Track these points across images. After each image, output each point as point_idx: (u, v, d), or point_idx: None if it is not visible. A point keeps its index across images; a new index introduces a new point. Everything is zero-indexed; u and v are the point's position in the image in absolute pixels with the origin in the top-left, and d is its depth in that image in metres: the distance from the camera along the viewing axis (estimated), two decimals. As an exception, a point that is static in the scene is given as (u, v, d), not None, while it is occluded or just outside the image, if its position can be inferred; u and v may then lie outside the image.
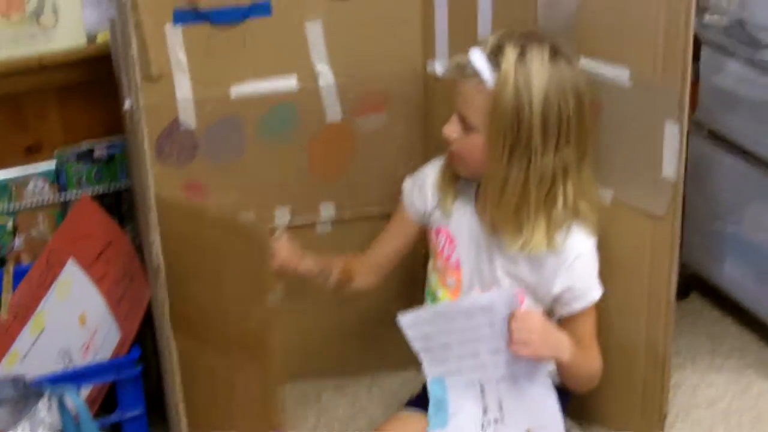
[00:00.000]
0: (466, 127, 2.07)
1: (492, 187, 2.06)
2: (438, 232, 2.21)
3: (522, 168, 2.02)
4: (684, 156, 2.07)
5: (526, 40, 2.03)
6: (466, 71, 2.05)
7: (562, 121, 2.01)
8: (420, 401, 2.17)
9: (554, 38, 2.06)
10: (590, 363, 2.14)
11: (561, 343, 2.05)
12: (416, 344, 2.08)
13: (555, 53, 2.02)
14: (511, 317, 1.99)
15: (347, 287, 2.29)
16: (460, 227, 2.18)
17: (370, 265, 2.32)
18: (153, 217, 1.95)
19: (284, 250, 2.18)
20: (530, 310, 2.09)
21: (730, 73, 2.58)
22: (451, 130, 2.09)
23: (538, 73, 1.99)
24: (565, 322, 2.13)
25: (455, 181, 2.18)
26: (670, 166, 2.08)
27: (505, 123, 2.00)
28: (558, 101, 2.00)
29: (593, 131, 2.10)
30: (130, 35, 1.89)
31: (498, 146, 2.02)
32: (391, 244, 2.31)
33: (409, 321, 2.06)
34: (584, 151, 2.08)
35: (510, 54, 2.00)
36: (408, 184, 2.29)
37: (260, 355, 2.02)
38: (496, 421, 2.08)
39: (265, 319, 1.98)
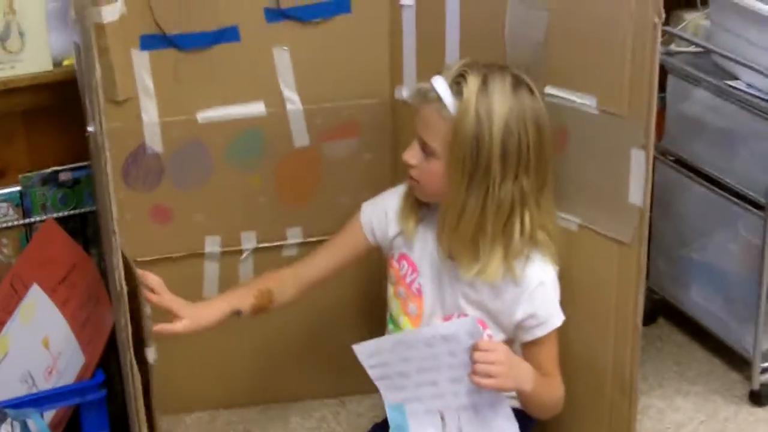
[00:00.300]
0: (427, 152, 2.07)
1: (450, 215, 2.06)
2: (400, 260, 2.20)
3: (480, 196, 2.02)
4: (650, 183, 2.08)
5: (488, 69, 2.03)
6: (428, 97, 2.05)
7: (522, 151, 2.01)
8: (386, 426, 2.16)
9: (516, 69, 2.07)
10: (552, 390, 2.14)
11: (524, 374, 2.04)
12: (373, 372, 2.08)
13: (517, 83, 2.03)
14: (473, 347, 1.99)
15: (266, 310, 2.22)
16: (422, 255, 2.17)
17: (299, 280, 2.25)
18: (116, 242, 1.94)
19: (185, 313, 2.09)
20: (493, 341, 2.09)
21: (697, 101, 2.60)
22: (411, 155, 2.09)
23: (500, 101, 1.99)
24: (527, 348, 2.13)
25: (418, 207, 2.17)
26: (637, 192, 2.08)
27: (465, 150, 2.00)
28: (518, 131, 2.00)
29: (552, 162, 2.10)
30: (94, 60, 1.89)
31: (457, 173, 2.02)
32: (333, 259, 2.26)
33: (365, 350, 2.06)
34: (543, 181, 2.08)
35: (472, 82, 2.00)
36: (368, 206, 2.27)
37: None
38: None
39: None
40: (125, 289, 1.95)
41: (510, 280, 2.08)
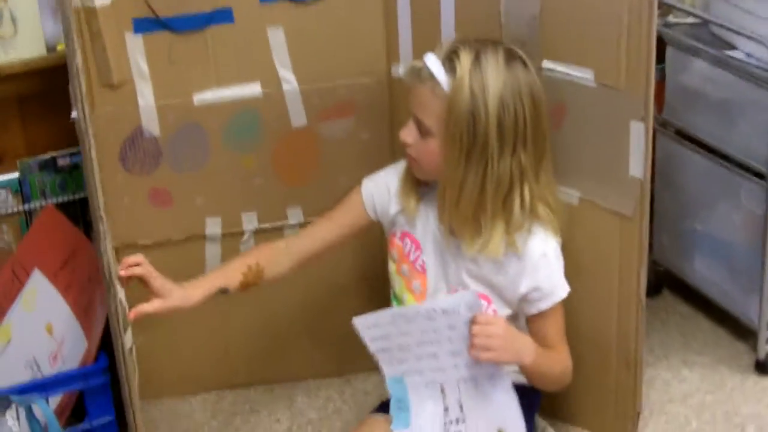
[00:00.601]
0: (423, 131, 2.06)
1: (449, 192, 2.05)
2: (403, 237, 2.20)
3: (479, 172, 2.01)
4: (650, 155, 2.07)
5: (480, 45, 2.02)
6: (422, 75, 2.04)
7: (519, 125, 2.00)
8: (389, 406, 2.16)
9: (510, 43, 2.06)
10: (557, 363, 2.13)
11: (523, 348, 2.04)
12: (372, 345, 2.07)
13: (510, 57, 2.01)
14: (472, 321, 1.99)
15: (256, 284, 2.19)
16: (424, 232, 2.17)
17: (293, 252, 2.23)
18: (103, 228, 1.93)
19: (164, 293, 2.06)
20: (492, 315, 2.09)
21: (696, 73, 2.58)
22: (407, 134, 2.08)
23: (493, 76, 1.98)
24: (532, 321, 2.13)
25: (417, 185, 2.16)
26: (637, 165, 2.08)
27: (461, 127, 1.99)
28: (514, 105, 1.99)
29: (550, 135, 2.09)
30: (74, 45, 1.88)
31: (454, 151, 2.01)
32: (330, 233, 2.24)
33: (364, 323, 2.05)
34: (542, 155, 2.07)
35: (465, 58, 1.99)
36: (369, 182, 2.25)
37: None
38: (458, 421, 2.07)
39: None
40: (114, 274, 1.95)
41: (512, 254, 2.07)
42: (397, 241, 2.21)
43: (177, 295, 2.06)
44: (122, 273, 2.01)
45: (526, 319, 2.14)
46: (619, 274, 2.19)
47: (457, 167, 2.01)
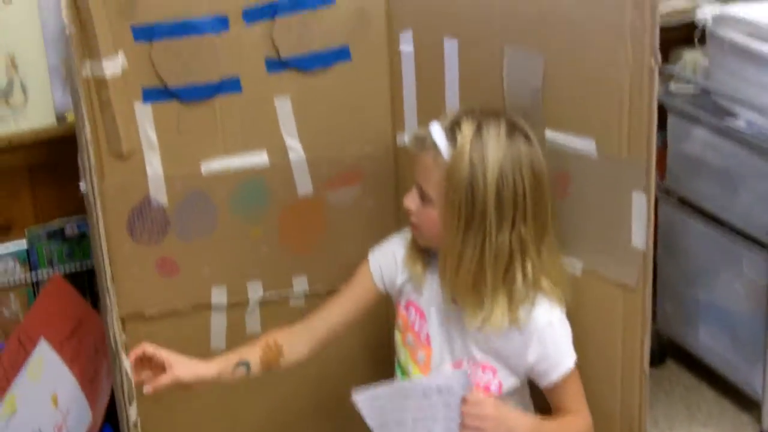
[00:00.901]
0: (424, 198, 2.07)
1: (449, 263, 2.06)
2: (408, 307, 2.20)
3: (477, 244, 2.01)
4: (652, 225, 2.08)
5: (484, 116, 2.03)
6: (425, 144, 2.06)
7: (518, 198, 2.00)
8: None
9: (514, 115, 2.07)
10: (569, 429, 2.13)
11: (516, 426, 2.04)
12: (371, 421, 2.07)
13: (512, 129, 2.03)
14: (462, 401, 1.99)
15: (275, 365, 2.18)
16: (430, 300, 2.17)
17: (311, 336, 2.22)
18: (111, 300, 1.94)
19: (178, 365, 2.06)
20: (482, 395, 2.07)
21: (697, 141, 2.60)
22: (410, 200, 2.10)
23: (494, 148, 1.99)
24: (546, 392, 2.13)
25: (423, 252, 2.17)
26: (639, 235, 2.08)
27: (460, 197, 2.00)
28: (513, 177, 1.99)
29: (553, 209, 2.09)
30: (83, 118, 1.90)
31: (453, 220, 2.02)
32: (344, 314, 2.24)
33: (363, 398, 2.06)
34: (543, 229, 2.07)
35: (466, 129, 2.00)
36: (375, 253, 2.26)
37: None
38: None
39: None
40: (120, 346, 1.96)
41: (518, 325, 2.07)
42: (402, 310, 2.22)
43: (186, 364, 2.06)
44: (132, 359, 2.02)
45: (543, 390, 2.14)
46: (622, 344, 2.18)
47: (456, 237, 2.02)
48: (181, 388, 2.06)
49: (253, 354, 2.14)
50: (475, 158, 1.98)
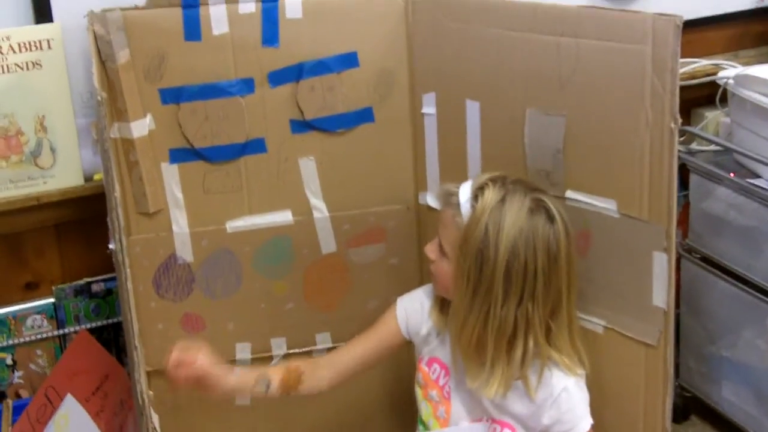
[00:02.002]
0: (441, 251, 2.09)
1: (454, 321, 2.07)
2: (430, 363, 2.21)
3: (481, 311, 2.01)
4: (674, 285, 2.09)
5: (512, 187, 2.03)
6: (450, 200, 2.07)
7: (528, 276, 1.99)
8: None
9: (544, 194, 2.05)
10: None
11: None
12: None
13: (537, 207, 2.01)
14: None
15: (294, 389, 2.20)
16: (452, 356, 2.17)
17: (332, 366, 2.24)
18: (138, 356, 1.96)
19: (205, 363, 2.09)
20: None
21: (720, 199, 2.61)
22: (430, 249, 2.13)
23: (511, 222, 1.98)
24: None
25: (447, 306, 2.18)
26: (660, 295, 2.09)
27: (470, 262, 2.00)
28: (525, 255, 1.98)
29: (572, 288, 2.07)
30: (113, 180, 1.93)
31: (462, 282, 2.02)
32: (367, 351, 2.25)
33: None
34: (555, 309, 2.05)
35: (489, 196, 2.01)
36: (403, 300, 2.28)
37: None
38: None
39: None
40: (147, 401, 1.97)
41: (535, 387, 2.07)
42: (423, 366, 2.23)
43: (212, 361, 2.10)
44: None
45: None
46: (644, 402, 2.18)
47: (462, 299, 2.03)
48: (199, 385, 2.08)
49: (274, 374, 2.17)
50: (491, 228, 1.99)
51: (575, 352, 2.09)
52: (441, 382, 2.19)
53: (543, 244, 2.00)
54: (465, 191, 2.05)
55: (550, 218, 2.02)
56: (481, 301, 2.01)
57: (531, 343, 2.03)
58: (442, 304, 2.19)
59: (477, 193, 2.03)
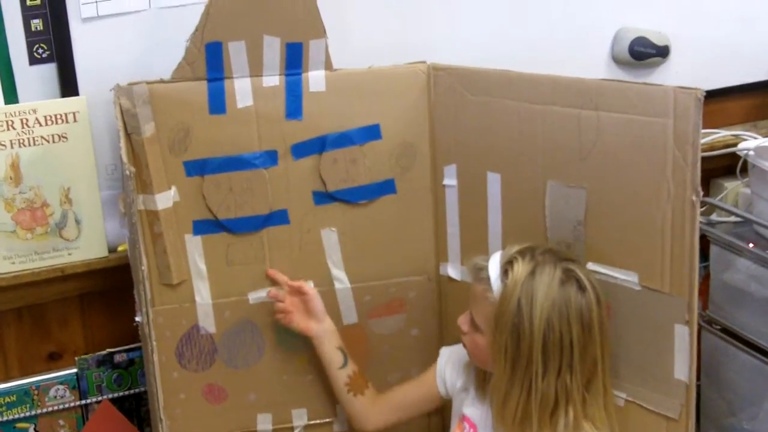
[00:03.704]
0: (474, 325, 2.10)
1: (496, 397, 2.06)
2: (462, 420, 2.21)
3: (524, 387, 2.01)
4: (696, 358, 2.08)
5: (541, 258, 2.03)
6: (480, 275, 2.08)
7: (564, 348, 2.00)
8: None
9: (573, 262, 2.07)
10: None
11: None
12: None
13: (567, 277, 2.02)
14: None
15: (356, 390, 2.33)
16: (484, 417, 2.17)
17: (384, 403, 2.33)
18: (164, 429, 1.97)
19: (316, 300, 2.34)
20: None
21: (740, 271, 2.61)
22: (463, 321, 2.13)
23: (543, 295, 1.99)
24: None
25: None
26: (682, 368, 2.08)
27: (505, 337, 2.00)
28: (560, 327, 1.99)
29: (606, 356, 2.08)
30: (141, 254, 1.95)
31: (500, 357, 2.02)
32: (412, 395, 2.32)
33: None
34: (590, 378, 2.05)
35: (519, 270, 2.01)
36: (444, 353, 2.30)
37: None
38: None
39: None
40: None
41: None
42: (457, 423, 2.22)
43: (323, 327, 2.35)
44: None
45: None
46: (666, 475, 2.19)
47: (503, 374, 2.03)
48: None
49: (352, 365, 2.35)
50: (524, 301, 1.99)
51: (609, 425, 2.09)
52: None
53: (576, 314, 2.00)
54: (494, 265, 2.06)
55: (582, 288, 2.03)
56: (522, 375, 2.01)
57: (571, 415, 2.03)
58: (476, 368, 2.20)
59: (507, 268, 2.03)
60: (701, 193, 1.99)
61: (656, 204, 2.05)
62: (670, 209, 2.04)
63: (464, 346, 2.16)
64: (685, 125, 1.98)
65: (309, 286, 2.34)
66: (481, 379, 2.19)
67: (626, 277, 2.13)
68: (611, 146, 2.10)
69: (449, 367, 2.27)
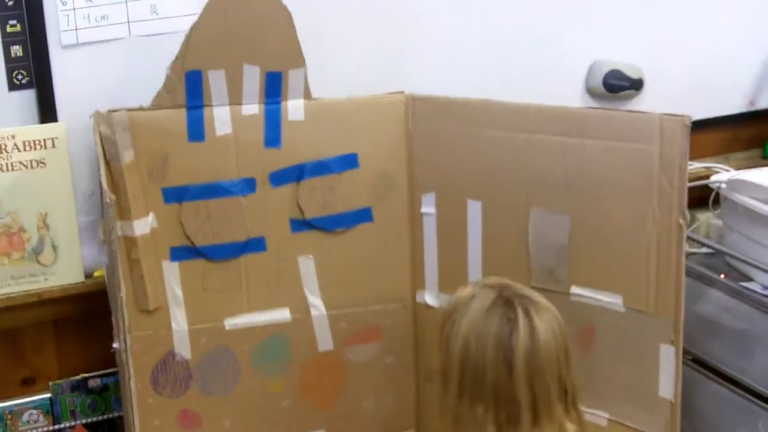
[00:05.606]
0: None
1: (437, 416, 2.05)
2: None
3: (448, 408, 1.97)
4: (681, 376, 2.10)
5: (492, 288, 1.99)
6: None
7: (477, 376, 1.92)
8: None
9: (520, 296, 1.96)
10: None
11: None
12: None
13: (498, 305, 1.94)
14: None
15: None
16: None
17: None
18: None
19: None
20: None
21: (712, 302, 2.63)
22: None
23: (468, 320, 1.95)
24: None
25: None
26: (667, 386, 2.11)
27: (441, 354, 1.99)
28: (476, 353, 1.92)
29: (550, 405, 1.93)
30: (119, 281, 1.95)
31: (437, 376, 2.01)
32: None
33: None
34: (514, 421, 1.91)
35: (465, 292, 1.99)
36: None
37: None
38: None
39: None
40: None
41: None
42: None
43: None
44: None
45: None
46: (647, 496, 2.20)
47: (438, 390, 2.01)
48: None
49: None
50: (456, 321, 1.96)
51: None
52: None
53: (494, 346, 1.91)
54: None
55: (510, 319, 1.92)
56: (445, 396, 1.98)
57: None
58: None
59: (460, 291, 2.02)
60: (688, 217, 2.03)
61: (641, 228, 2.08)
62: (655, 233, 2.07)
63: None
64: (671, 151, 2.02)
65: None
66: None
67: (610, 299, 2.16)
68: (596, 172, 2.13)
69: None
